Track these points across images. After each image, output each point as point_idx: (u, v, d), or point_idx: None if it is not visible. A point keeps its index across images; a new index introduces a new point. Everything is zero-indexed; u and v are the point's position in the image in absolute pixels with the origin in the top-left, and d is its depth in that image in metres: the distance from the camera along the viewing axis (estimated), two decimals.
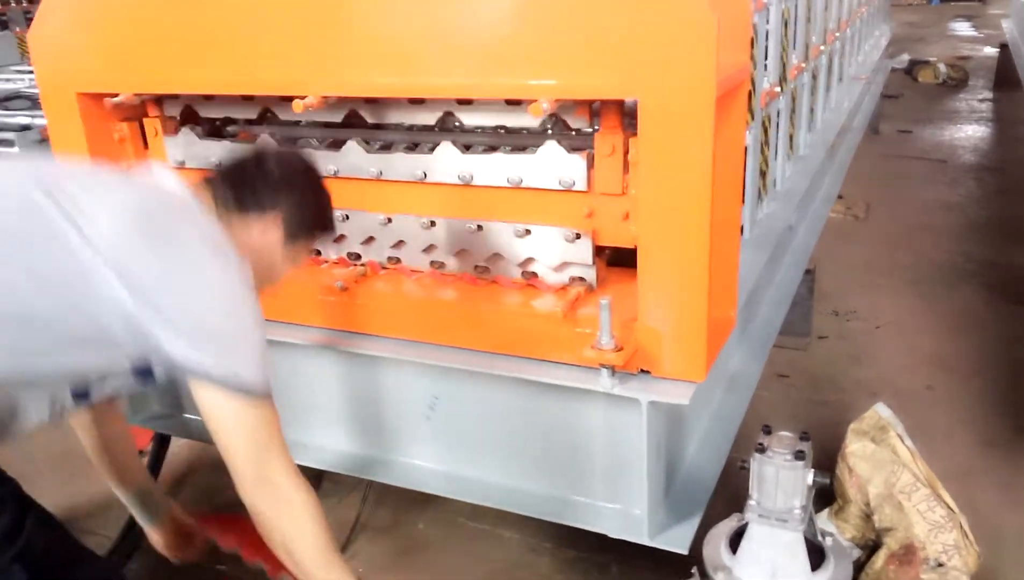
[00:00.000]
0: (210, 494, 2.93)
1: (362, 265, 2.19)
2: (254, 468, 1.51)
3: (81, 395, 1.54)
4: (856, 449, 2.32)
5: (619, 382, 1.81)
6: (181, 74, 2.09)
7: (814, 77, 3.80)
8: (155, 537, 2.12)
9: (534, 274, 2.03)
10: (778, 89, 2.85)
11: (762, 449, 1.73)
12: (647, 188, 1.69)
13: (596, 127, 1.86)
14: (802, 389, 3.41)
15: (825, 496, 2.64)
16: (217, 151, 2.22)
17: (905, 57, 10.91)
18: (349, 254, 2.23)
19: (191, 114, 2.32)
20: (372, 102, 2.06)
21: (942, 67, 10.40)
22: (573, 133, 1.93)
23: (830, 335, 3.86)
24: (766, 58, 2.77)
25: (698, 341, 1.76)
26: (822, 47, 3.86)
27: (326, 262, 2.27)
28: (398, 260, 2.17)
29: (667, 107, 1.61)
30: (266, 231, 1.63)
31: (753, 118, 2.57)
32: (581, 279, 2.01)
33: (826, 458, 2.81)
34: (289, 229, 1.66)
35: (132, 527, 2.66)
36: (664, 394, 1.78)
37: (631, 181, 1.81)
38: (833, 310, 4.10)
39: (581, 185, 1.86)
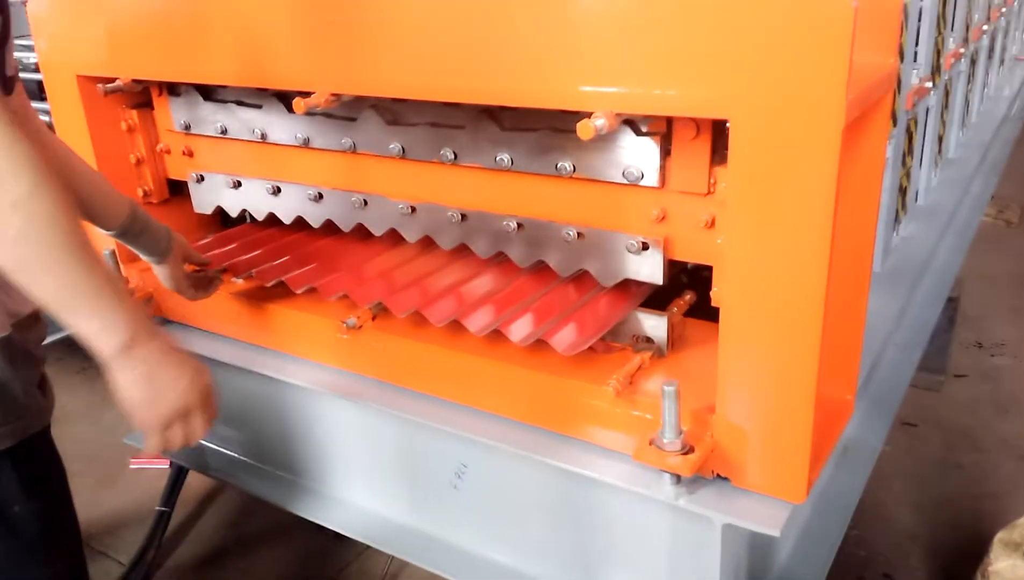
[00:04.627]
0: (235, 523, 2.64)
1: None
2: None
3: None
4: (1003, 568, 1.79)
5: (685, 490, 1.37)
6: (185, 63, 1.73)
7: (972, 63, 3.15)
8: (164, 274, 1.76)
9: None
10: (929, 84, 2.27)
11: None
12: (737, 237, 1.22)
13: None
14: (932, 444, 2.84)
15: None
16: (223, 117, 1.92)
17: None
18: None
19: None
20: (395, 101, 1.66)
21: None
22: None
23: (971, 373, 3.24)
24: (916, 45, 2.20)
25: (799, 450, 1.29)
26: (985, 27, 3.19)
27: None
28: None
29: (771, 134, 1.13)
30: None
31: (895, 124, 2.02)
32: (648, 340, 1.56)
33: (955, 552, 2.28)
34: None
35: (143, 555, 2.42)
36: (745, 516, 1.33)
37: (719, 177, 1.33)
38: (976, 341, 3.46)
39: (652, 180, 1.40)
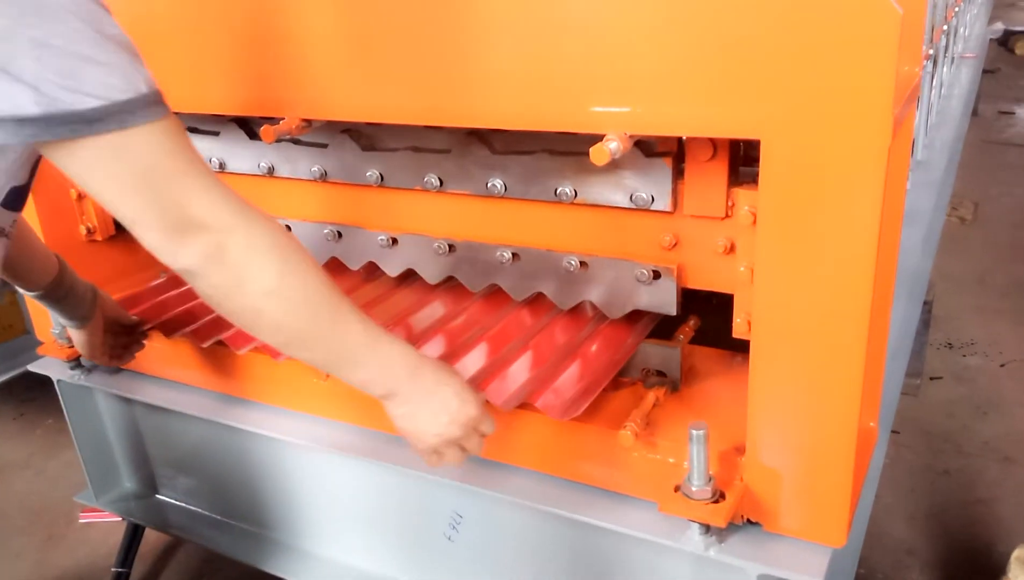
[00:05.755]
0: (199, 578, 2.45)
1: None
2: (164, 219, 0.96)
3: None
4: None
5: (716, 540, 1.25)
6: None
7: (934, 64, 3.13)
8: (80, 340, 1.64)
9: None
10: None
11: None
12: (770, 265, 1.12)
13: None
14: (917, 451, 2.80)
15: None
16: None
17: (999, 26, 9.88)
18: None
19: None
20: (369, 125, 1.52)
21: None
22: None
23: (945, 375, 3.22)
24: None
25: (840, 489, 1.19)
26: (944, 26, 3.18)
27: None
28: None
29: (810, 154, 1.03)
30: None
31: None
32: (659, 373, 1.45)
33: (955, 565, 2.22)
34: None
35: None
36: (783, 564, 1.22)
37: (739, 200, 1.22)
38: (947, 342, 3.45)
39: (663, 204, 1.29)
